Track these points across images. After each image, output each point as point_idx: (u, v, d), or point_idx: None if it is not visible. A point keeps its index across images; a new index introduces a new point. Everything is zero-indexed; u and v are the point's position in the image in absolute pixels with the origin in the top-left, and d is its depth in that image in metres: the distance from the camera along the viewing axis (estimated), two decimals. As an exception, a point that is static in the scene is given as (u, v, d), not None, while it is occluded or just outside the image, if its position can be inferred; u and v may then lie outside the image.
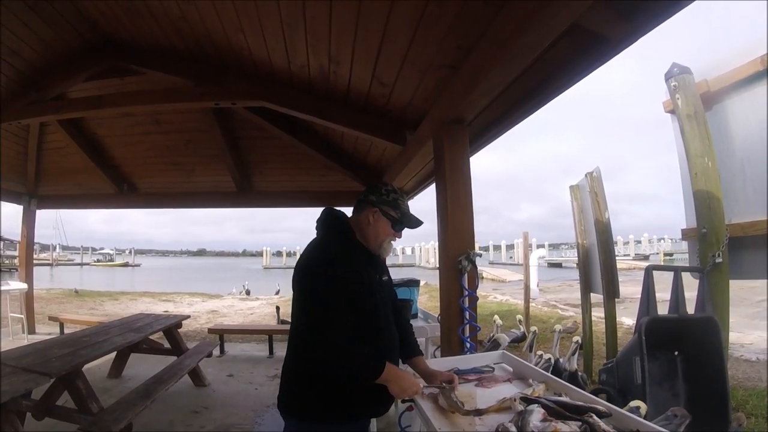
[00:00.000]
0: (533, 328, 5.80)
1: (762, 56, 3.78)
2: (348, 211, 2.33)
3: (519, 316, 6.52)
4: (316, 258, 2.05)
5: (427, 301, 13.77)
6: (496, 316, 6.05)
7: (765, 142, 3.81)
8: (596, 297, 6.28)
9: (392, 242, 2.26)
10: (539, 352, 4.92)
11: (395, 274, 3.05)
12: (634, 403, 2.42)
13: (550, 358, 4.72)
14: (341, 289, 1.93)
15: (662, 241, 70.71)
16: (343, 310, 1.91)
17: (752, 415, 4.61)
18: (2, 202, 8.62)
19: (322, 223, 2.25)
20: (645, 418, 2.21)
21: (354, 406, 2.02)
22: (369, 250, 2.22)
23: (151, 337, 5.89)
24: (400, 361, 2.31)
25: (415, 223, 2.29)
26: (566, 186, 6.96)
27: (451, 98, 3.35)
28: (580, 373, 4.86)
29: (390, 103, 4.46)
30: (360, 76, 4.08)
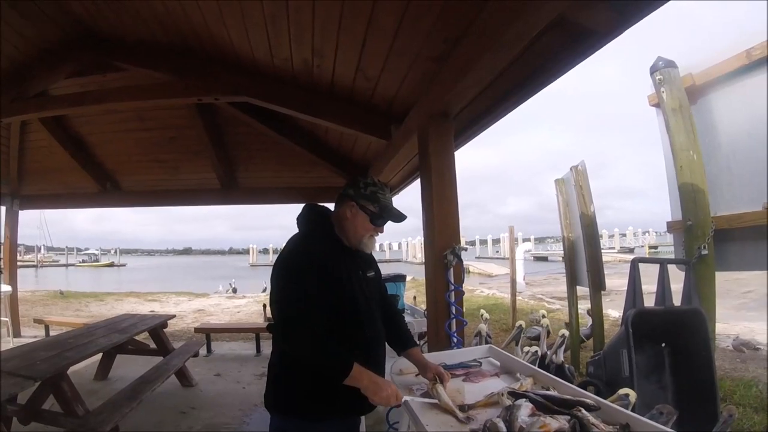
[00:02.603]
0: (519, 322, 5.80)
1: (747, 50, 3.80)
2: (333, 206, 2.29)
3: (542, 311, 6.40)
4: (291, 253, 2.04)
5: (416, 296, 13.80)
6: (482, 310, 6.04)
7: (750, 135, 3.84)
8: (582, 290, 6.31)
9: (374, 237, 2.21)
10: (525, 348, 4.92)
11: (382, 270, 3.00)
12: (622, 391, 2.42)
13: (537, 351, 4.73)
14: (315, 284, 1.91)
15: (647, 234, 71.22)
16: (315, 305, 1.90)
17: (740, 405, 4.65)
18: (-17, 204, 8.52)
19: (301, 219, 2.23)
20: (634, 406, 2.20)
21: (339, 402, 1.96)
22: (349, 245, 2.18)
23: (137, 337, 5.85)
24: (393, 355, 2.31)
25: (396, 216, 2.21)
26: (551, 181, 6.98)
27: (437, 91, 3.34)
28: (567, 366, 4.87)
29: (375, 97, 4.43)
30: (344, 70, 4.04)
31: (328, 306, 1.94)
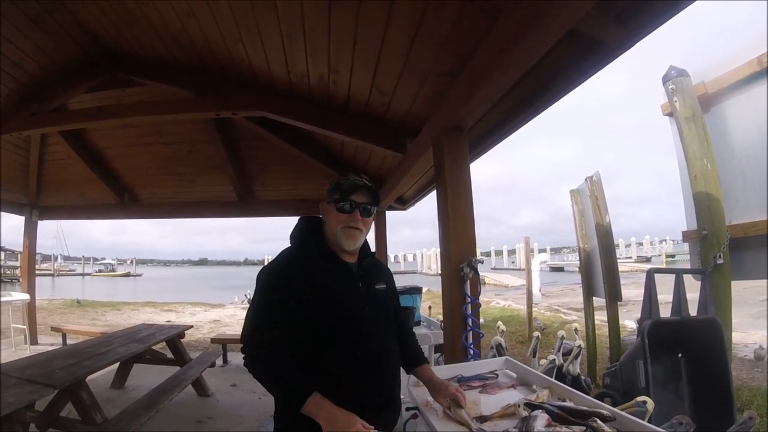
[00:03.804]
0: (536, 334, 5.78)
1: (758, 57, 3.80)
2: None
3: (576, 325, 6.30)
4: (266, 268, 1.97)
5: (431, 306, 13.79)
6: (499, 322, 6.03)
7: (763, 142, 3.83)
8: (599, 300, 6.28)
9: (351, 230, 2.00)
10: (542, 360, 4.91)
11: (397, 281, 2.88)
12: (640, 398, 2.40)
13: (554, 360, 4.71)
14: (283, 300, 1.84)
15: (664, 242, 70.45)
16: (279, 323, 1.81)
17: (758, 415, 4.59)
18: (4, 213, 8.66)
19: (293, 233, 2.13)
20: (651, 414, 2.20)
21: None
22: (346, 256, 2.06)
23: (153, 347, 5.90)
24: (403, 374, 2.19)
25: (352, 186, 2.05)
26: (565, 190, 6.98)
27: (450, 105, 3.36)
28: (583, 377, 4.85)
29: (389, 112, 4.48)
30: (359, 85, 4.09)
31: (308, 321, 1.85)
